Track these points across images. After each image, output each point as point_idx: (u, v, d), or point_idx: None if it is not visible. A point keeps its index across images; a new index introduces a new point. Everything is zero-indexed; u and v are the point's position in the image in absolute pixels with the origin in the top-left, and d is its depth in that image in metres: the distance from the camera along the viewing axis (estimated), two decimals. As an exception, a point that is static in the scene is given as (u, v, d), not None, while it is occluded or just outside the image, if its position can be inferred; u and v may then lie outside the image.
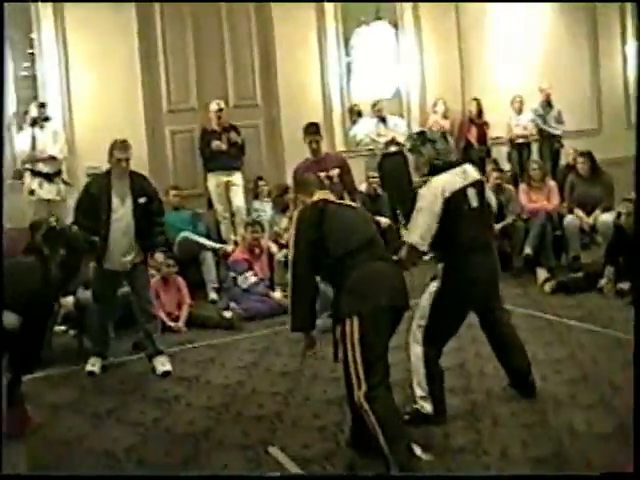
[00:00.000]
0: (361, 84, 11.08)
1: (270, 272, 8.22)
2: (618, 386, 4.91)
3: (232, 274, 7.96)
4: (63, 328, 7.02)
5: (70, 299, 6.58)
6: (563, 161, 10.72)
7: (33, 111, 8.61)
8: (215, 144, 9.14)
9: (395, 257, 4.46)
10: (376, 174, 9.91)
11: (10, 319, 3.57)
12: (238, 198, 9.38)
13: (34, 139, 8.45)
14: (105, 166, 6.25)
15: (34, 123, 8.52)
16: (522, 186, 9.04)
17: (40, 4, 9.14)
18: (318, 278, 4.26)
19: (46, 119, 8.62)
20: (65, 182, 8.68)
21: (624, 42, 12.31)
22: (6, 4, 7.92)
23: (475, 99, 11.14)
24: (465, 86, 11.44)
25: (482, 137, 11.07)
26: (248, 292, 7.83)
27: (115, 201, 6.01)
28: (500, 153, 11.15)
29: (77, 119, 9.26)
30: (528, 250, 8.27)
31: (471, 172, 4.67)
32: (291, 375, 5.79)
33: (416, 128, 10.00)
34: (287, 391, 5.43)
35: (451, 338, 4.76)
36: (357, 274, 3.93)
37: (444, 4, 11.23)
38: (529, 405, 4.81)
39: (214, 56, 10.03)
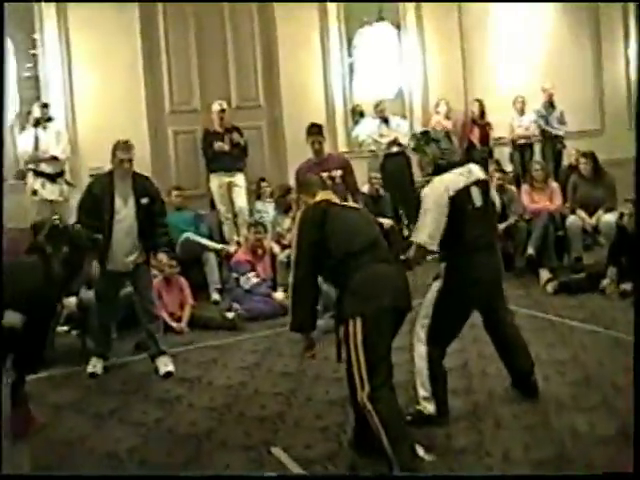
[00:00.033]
0: (363, 85, 11.08)
1: (272, 273, 8.22)
2: (621, 388, 4.89)
3: (234, 275, 7.96)
4: (66, 328, 7.05)
5: (73, 299, 6.59)
6: (565, 162, 10.71)
7: (36, 111, 8.62)
8: (218, 145, 9.14)
9: (403, 256, 4.47)
10: (378, 175, 9.92)
11: (13, 318, 3.58)
12: (240, 199, 9.38)
13: (37, 139, 8.46)
14: (107, 166, 6.24)
15: (37, 123, 8.53)
16: (524, 187, 9.03)
17: (43, 4, 9.15)
18: (320, 279, 4.26)
19: (49, 119, 8.63)
20: (68, 182, 8.69)
21: (627, 43, 12.29)
22: (8, 4, 8.00)
23: (477, 100, 11.14)
24: (467, 87, 11.45)
25: (485, 138, 11.07)
26: (250, 293, 7.82)
27: (118, 202, 6.01)
28: (502, 154, 11.15)
29: (80, 119, 9.28)
30: (530, 251, 8.26)
31: (476, 171, 4.67)
32: (293, 376, 5.78)
33: (418, 129, 9.99)
34: (289, 392, 5.43)
35: (455, 338, 4.75)
36: (360, 275, 3.93)
37: (446, 4, 11.24)
38: (531, 406, 4.80)
39: (216, 56, 10.04)
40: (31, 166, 8.53)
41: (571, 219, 8.49)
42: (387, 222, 4.75)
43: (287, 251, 7.74)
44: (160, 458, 4.48)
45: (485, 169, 9.12)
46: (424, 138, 4.78)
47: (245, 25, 10.20)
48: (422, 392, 4.60)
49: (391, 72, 11.22)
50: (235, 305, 7.64)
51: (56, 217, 7.80)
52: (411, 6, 11.17)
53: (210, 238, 8.87)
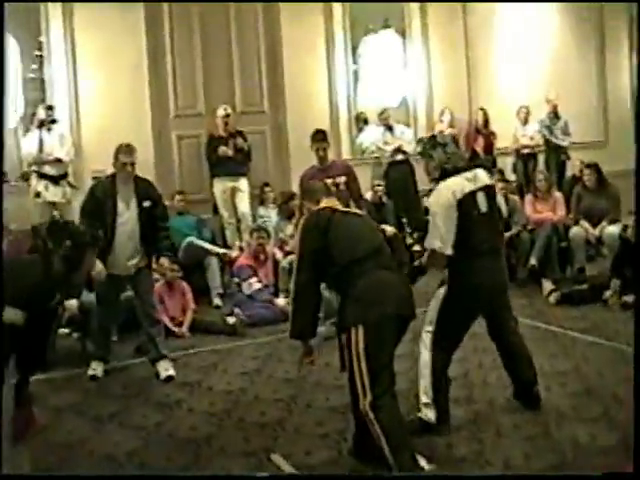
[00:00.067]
0: (368, 92, 11.09)
1: (274, 279, 8.21)
2: (622, 400, 4.87)
3: (236, 280, 7.96)
4: (67, 331, 7.04)
5: (74, 302, 6.57)
6: (569, 172, 10.71)
7: (40, 113, 8.64)
8: (221, 150, 9.14)
9: (417, 262, 4.47)
10: (382, 182, 9.92)
11: (13, 314, 3.57)
12: (244, 204, 9.37)
13: (41, 141, 8.46)
14: (110, 169, 6.24)
15: (41, 125, 8.54)
16: (528, 197, 9.03)
17: (50, 5, 9.17)
18: (322, 286, 4.25)
19: (53, 121, 8.64)
20: (71, 185, 8.70)
21: (631, 55, 12.28)
22: (14, 6, 8.03)
23: (482, 109, 11.15)
24: (472, 95, 11.45)
25: (488, 147, 11.07)
26: (252, 298, 7.82)
27: (120, 205, 6.01)
28: (506, 163, 11.14)
29: (84, 122, 9.30)
30: (533, 261, 8.25)
31: (482, 177, 4.65)
32: (294, 382, 5.77)
33: (423, 137, 10.01)
34: (290, 398, 5.41)
35: (460, 343, 4.74)
36: (363, 283, 3.91)
37: (452, 11, 11.24)
38: (532, 417, 4.78)
39: (221, 59, 10.06)
40: (34, 168, 8.54)
41: (574, 230, 8.48)
42: (390, 229, 4.73)
43: (289, 257, 7.73)
44: (159, 462, 4.47)
45: (489, 178, 9.17)
46: (430, 142, 4.77)
47: (250, 27, 10.20)
48: (424, 398, 4.59)
49: (396, 80, 11.23)
50: (236, 310, 7.64)
51: (57, 212, 7.84)
52: (416, 14, 11.17)
53: (213, 243, 8.87)
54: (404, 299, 4.01)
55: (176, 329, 7.27)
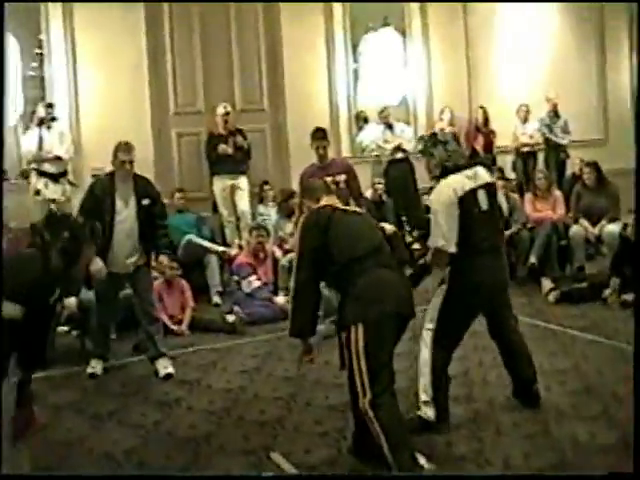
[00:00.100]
0: (368, 91, 11.09)
1: (274, 277, 8.21)
2: (622, 398, 4.86)
3: (236, 278, 7.95)
4: (66, 329, 7.03)
5: (73, 300, 6.57)
6: (569, 171, 10.71)
7: (40, 111, 8.64)
8: (221, 148, 9.13)
9: (422, 261, 4.46)
10: (382, 180, 9.92)
11: (12, 309, 3.57)
12: (243, 202, 9.37)
13: (41, 139, 8.46)
14: (109, 167, 6.23)
15: (41, 123, 8.53)
16: (528, 195, 9.03)
17: (50, 4, 9.17)
18: (322, 284, 4.24)
19: (53, 119, 8.64)
20: (70, 182, 8.70)
21: (632, 55, 12.27)
22: (15, 5, 8.03)
23: (482, 107, 11.15)
24: (472, 94, 11.45)
25: (488, 145, 11.07)
26: (251, 296, 7.81)
27: (119, 203, 6.00)
28: (505, 162, 11.14)
29: (84, 120, 9.31)
30: (533, 260, 8.25)
31: (482, 174, 4.65)
32: (293, 380, 5.76)
33: (423, 136, 10.01)
34: (289, 396, 5.41)
35: (460, 342, 4.74)
36: (363, 281, 3.91)
37: (452, 11, 11.24)
38: (532, 415, 4.78)
39: (221, 58, 10.06)
40: (34, 166, 8.54)
41: (574, 228, 8.48)
42: (389, 228, 4.72)
43: (289, 255, 7.73)
44: (158, 461, 4.46)
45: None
46: (431, 140, 4.76)
47: (250, 27, 10.21)
48: (423, 396, 4.59)
49: (396, 78, 11.23)
50: (236, 308, 7.64)
51: (53, 206, 7.82)
52: (417, 13, 11.18)
53: (212, 241, 8.87)
54: (404, 298, 4.00)
55: (175, 327, 7.27)
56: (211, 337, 7.17)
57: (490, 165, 10.43)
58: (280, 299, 7.81)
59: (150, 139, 9.56)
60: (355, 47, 10.99)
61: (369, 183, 9.76)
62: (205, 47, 9.96)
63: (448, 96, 11.19)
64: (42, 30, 9.24)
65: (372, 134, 10.68)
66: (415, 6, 11.17)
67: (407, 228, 9.63)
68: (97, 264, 5.80)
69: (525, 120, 11.03)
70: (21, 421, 3.67)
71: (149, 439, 4.79)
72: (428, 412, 4.57)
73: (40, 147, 8.45)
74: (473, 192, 4.50)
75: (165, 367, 6.05)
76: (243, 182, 9.37)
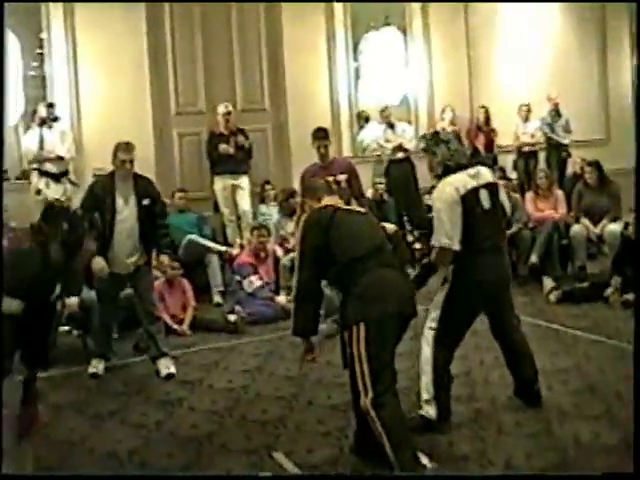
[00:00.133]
0: (369, 90, 11.09)
1: (275, 276, 8.20)
2: (623, 397, 4.86)
3: (237, 278, 7.94)
4: (67, 328, 7.02)
5: (75, 299, 6.57)
6: (570, 170, 10.70)
7: (42, 111, 8.62)
8: (222, 147, 9.13)
9: (426, 260, 4.46)
10: (383, 180, 9.91)
11: (12, 304, 3.56)
12: (244, 202, 9.37)
13: (42, 139, 8.45)
14: (110, 167, 6.23)
15: (42, 123, 8.53)
16: (529, 195, 9.03)
17: (51, 4, 9.16)
18: (324, 283, 4.24)
19: (55, 119, 8.63)
20: (72, 182, 8.69)
21: (633, 54, 12.28)
22: (15, 5, 8.03)
23: (483, 106, 11.15)
24: (473, 93, 11.44)
25: (489, 145, 11.08)
26: (253, 296, 7.81)
27: (119, 202, 6.00)
28: (507, 161, 11.15)
29: (85, 119, 9.30)
30: (534, 259, 8.25)
31: (484, 174, 4.64)
32: (295, 380, 5.76)
33: (424, 135, 10.00)
34: (291, 396, 5.41)
35: (462, 341, 4.73)
36: (365, 280, 3.90)
37: (454, 10, 11.24)
38: (534, 415, 4.78)
39: (222, 58, 10.06)
40: (35, 165, 8.53)
41: (575, 228, 8.47)
42: (390, 227, 4.72)
43: (290, 255, 7.72)
44: (161, 460, 4.46)
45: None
46: (434, 139, 4.75)
47: (251, 27, 10.21)
48: (425, 395, 4.59)
49: (397, 78, 11.22)
50: (237, 308, 7.64)
51: (52, 198, 7.80)
52: (418, 12, 11.18)
53: (213, 240, 8.87)
54: (406, 297, 3.99)
55: (177, 327, 7.27)
56: (213, 337, 7.17)
57: (491, 164, 10.44)
58: (281, 298, 7.81)
59: (151, 139, 9.56)
60: (356, 46, 10.98)
61: (370, 182, 9.76)
62: (206, 47, 9.95)
63: (449, 95, 11.19)
64: (43, 29, 9.23)
65: (373, 133, 10.69)
66: (416, 5, 11.17)
67: (408, 227, 9.66)
68: (99, 263, 5.82)
69: (526, 119, 11.04)
70: (26, 420, 3.65)
71: (151, 439, 4.79)
72: (430, 411, 4.57)
73: (41, 147, 8.45)
74: (475, 191, 4.50)
75: (167, 367, 6.05)
76: (244, 182, 9.37)
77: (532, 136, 10.98)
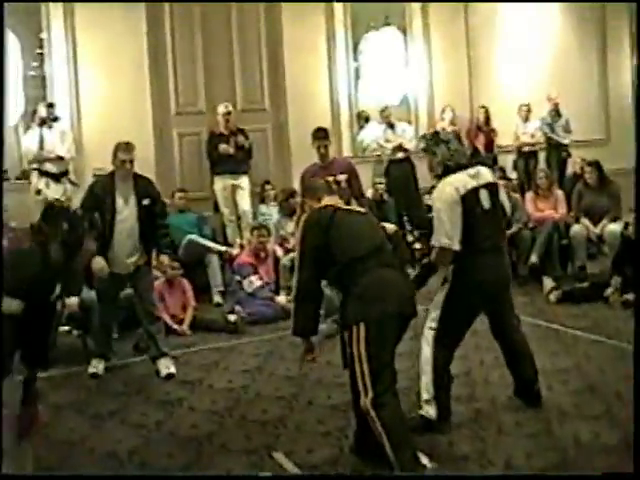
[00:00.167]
0: (369, 90, 11.09)
1: (275, 276, 8.20)
2: (624, 397, 4.86)
3: (237, 278, 7.94)
4: (67, 328, 7.02)
5: (75, 299, 6.57)
6: (570, 170, 10.70)
7: (42, 111, 8.62)
8: (222, 147, 9.13)
9: (426, 260, 4.46)
10: (383, 180, 9.91)
11: (12, 304, 3.56)
12: (244, 202, 9.37)
13: (42, 139, 8.45)
14: (110, 167, 6.23)
15: (43, 123, 8.52)
16: (529, 195, 9.03)
17: (51, 4, 9.16)
18: (324, 283, 4.24)
19: (55, 119, 8.63)
20: (72, 182, 8.69)
21: (633, 55, 12.28)
22: (15, 5, 8.03)
23: (483, 106, 11.15)
24: (473, 93, 11.44)
25: (489, 145, 11.08)
26: (253, 296, 7.81)
27: (119, 202, 6.00)
28: (507, 161, 11.15)
29: (85, 119, 9.30)
30: (534, 259, 8.25)
31: (484, 174, 4.64)
32: (295, 380, 5.76)
33: (424, 135, 10.00)
34: (291, 396, 5.41)
35: (462, 341, 4.74)
36: (365, 280, 3.90)
37: (454, 10, 11.24)
38: (534, 415, 4.78)
39: (222, 58, 10.06)
40: (35, 165, 8.53)
41: (575, 228, 8.47)
42: (390, 227, 4.72)
43: (290, 255, 7.72)
44: (160, 460, 4.46)
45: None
46: (434, 139, 4.75)
47: (251, 27, 10.21)
48: (425, 395, 4.59)
49: (397, 78, 11.22)
50: (237, 308, 7.64)
51: (51, 198, 7.80)
52: (418, 12, 11.18)
53: (213, 240, 8.87)
54: (406, 297, 3.99)
55: (177, 327, 7.27)
56: (213, 337, 7.17)
57: (491, 164, 10.44)
58: (281, 298, 7.81)
59: (151, 139, 9.56)
60: (356, 46, 10.99)
61: (370, 182, 9.76)
62: (206, 47, 9.95)
63: (449, 95, 11.19)
64: (43, 29, 9.23)
65: (373, 133, 10.69)
66: (416, 5, 11.17)
67: (408, 227, 9.65)
68: (99, 263, 5.82)
69: (526, 119, 11.04)
70: (26, 419, 3.65)
71: (151, 439, 4.79)
72: (430, 410, 4.57)
73: (41, 147, 8.45)
74: (475, 191, 4.49)
75: (167, 367, 6.05)
76: (244, 182, 9.37)
77: (532, 136, 10.99)
